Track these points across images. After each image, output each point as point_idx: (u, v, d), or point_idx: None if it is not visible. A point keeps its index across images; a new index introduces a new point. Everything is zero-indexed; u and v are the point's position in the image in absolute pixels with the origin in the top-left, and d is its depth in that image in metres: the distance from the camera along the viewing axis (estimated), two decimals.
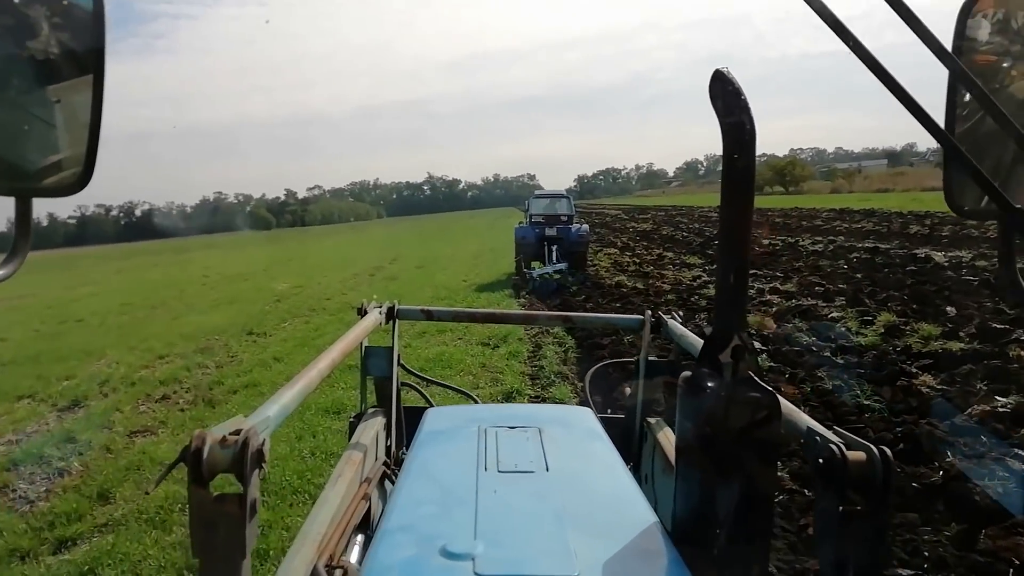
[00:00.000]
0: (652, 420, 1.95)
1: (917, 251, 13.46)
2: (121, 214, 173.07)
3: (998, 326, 6.55)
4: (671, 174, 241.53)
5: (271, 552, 3.51)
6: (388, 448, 2.00)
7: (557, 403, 5.47)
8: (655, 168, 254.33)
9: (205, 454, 0.85)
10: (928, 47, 0.65)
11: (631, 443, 2.01)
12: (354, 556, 1.39)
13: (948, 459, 3.91)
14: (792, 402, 0.99)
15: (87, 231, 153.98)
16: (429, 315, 2.29)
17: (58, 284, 26.13)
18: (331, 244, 44.78)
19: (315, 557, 1.15)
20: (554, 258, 13.35)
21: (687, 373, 0.96)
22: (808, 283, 10.50)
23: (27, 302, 19.63)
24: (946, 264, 11.47)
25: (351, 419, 2.04)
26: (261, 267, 26.67)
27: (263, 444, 0.91)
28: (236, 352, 9.43)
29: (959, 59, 0.74)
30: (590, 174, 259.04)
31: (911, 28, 0.64)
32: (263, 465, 0.90)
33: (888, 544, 3.11)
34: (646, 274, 13.51)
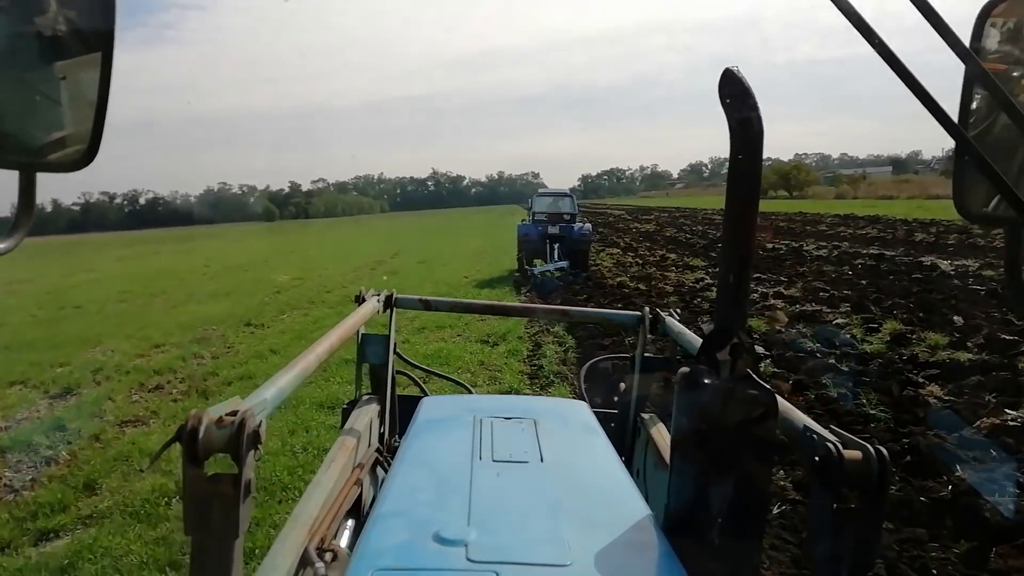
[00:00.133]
0: (646, 416, 1.95)
1: (923, 259, 13.32)
2: (125, 202, 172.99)
3: (1007, 337, 6.42)
4: (675, 176, 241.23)
5: (256, 551, 3.40)
6: (381, 435, 2.00)
7: None
8: (659, 169, 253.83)
9: (201, 434, 0.85)
10: (948, 44, 0.64)
11: (624, 438, 2.02)
12: (344, 541, 1.39)
13: (957, 473, 3.80)
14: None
15: (90, 218, 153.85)
16: (427, 305, 2.30)
17: (58, 270, 26.10)
18: (333, 237, 44.70)
19: (306, 540, 1.15)
20: (556, 256, 13.33)
21: (685, 369, 0.96)
22: (813, 288, 10.37)
23: (27, 287, 19.57)
24: (952, 273, 11.35)
25: (345, 405, 2.04)
26: (262, 258, 26.61)
27: (259, 426, 0.91)
28: (233, 343, 9.33)
29: (979, 61, 0.73)
30: (594, 174, 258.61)
31: (932, 25, 0.62)
32: (259, 446, 0.90)
33: (880, 542, 2.91)
34: (648, 275, 13.39)
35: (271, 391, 1.10)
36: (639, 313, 2.05)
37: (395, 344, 2.15)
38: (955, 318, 7.58)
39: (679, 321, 1.92)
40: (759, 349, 6.65)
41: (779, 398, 0.91)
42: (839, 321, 8.01)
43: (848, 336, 7.18)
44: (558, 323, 8.74)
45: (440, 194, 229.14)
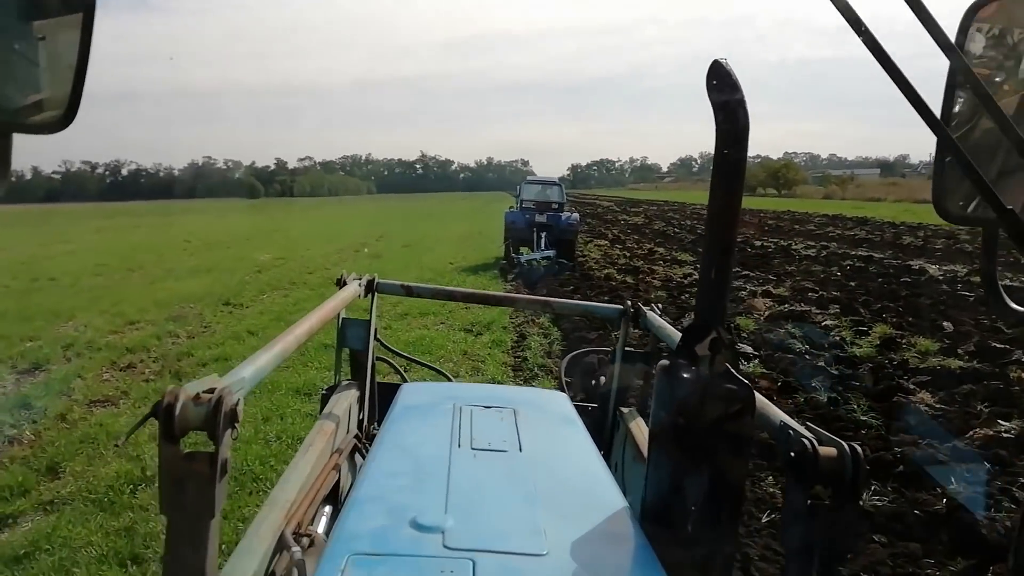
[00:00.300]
0: (625, 410, 1.96)
1: (911, 262, 13.32)
2: (107, 172, 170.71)
3: (998, 345, 6.36)
4: (665, 169, 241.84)
5: (223, 546, 3.23)
6: (360, 421, 1.99)
7: None
8: (649, 162, 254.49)
9: (177, 410, 0.84)
10: (933, 37, 0.63)
11: (603, 431, 2.01)
12: (321, 526, 1.37)
13: (952, 486, 3.71)
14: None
15: (70, 187, 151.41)
16: (409, 291, 2.30)
17: (35, 240, 25.51)
18: (318, 217, 44.21)
19: (283, 524, 1.14)
20: (543, 244, 13.28)
21: (664, 362, 0.96)
22: (801, 288, 10.31)
23: (0, 256, 19.10)
24: (941, 278, 11.32)
25: (324, 391, 2.03)
26: (245, 236, 26.21)
27: (237, 404, 0.90)
28: (210, 322, 9.09)
29: (965, 60, 0.72)
30: (584, 164, 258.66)
31: (917, 16, 0.62)
32: (235, 425, 0.89)
33: (854, 538, 2.96)
34: (636, 269, 13.27)
35: (249, 370, 1.08)
36: (621, 307, 2.05)
37: (376, 330, 2.12)
38: (945, 324, 7.52)
39: (660, 315, 1.91)
40: (747, 349, 6.55)
41: (757, 394, 0.92)
42: (828, 323, 7.92)
43: (837, 338, 7.09)
44: (542, 314, 8.64)
45: (428, 178, 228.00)
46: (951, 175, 0.78)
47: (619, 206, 48.55)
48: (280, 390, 5.66)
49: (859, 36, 0.64)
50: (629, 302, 2.06)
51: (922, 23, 0.63)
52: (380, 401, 2.12)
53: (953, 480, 3.76)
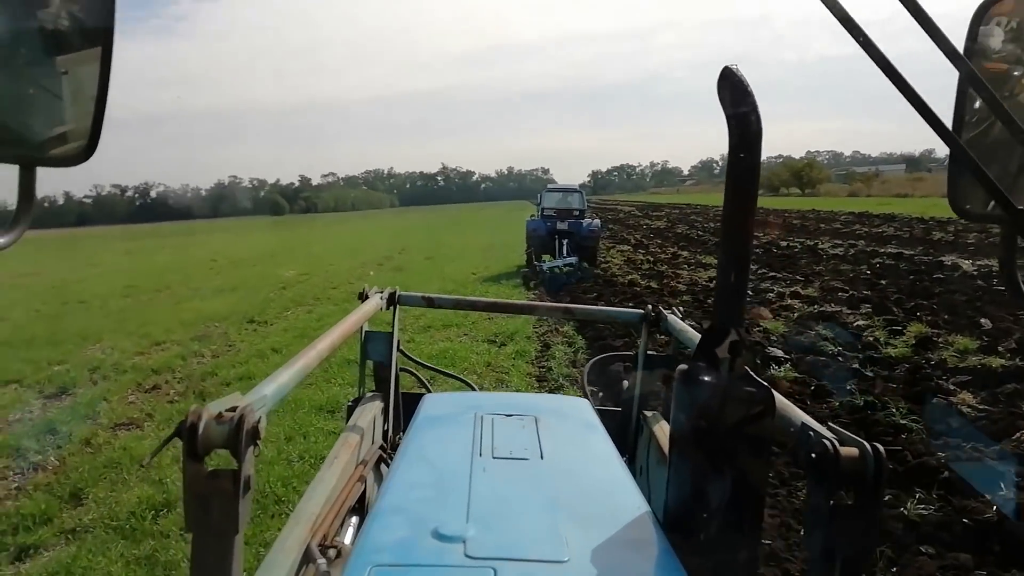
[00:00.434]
0: (648, 413, 1.96)
1: (943, 258, 12.96)
2: (136, 195, 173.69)
3: None
4: (686, 172, 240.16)
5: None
6: (385, 432, 2.01)
7: None
8: (670, 166, 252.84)
9: (201, 429, 0.85)
10: (940, 48, 0.65)
11: (627, 436, 2.01)
12: (348, 537, 1.37)
13: (1001, 492, 3.52)
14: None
15: (102, 211, 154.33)
16: (430, 302, 2.31)
17: (66, 264, 25.99)
18: (342, 232, 44.51)
19: (308, 536, 1.15)
20: (564, 252, 13.22)
21: (683, 366, 0.96)
22: (831, 288, 10.06)
23: (32, 280, 19.46)
24: (975, 273, 10.98)
25: (349, 403, 2.04)
26: (269, 253, 26.41)
27: (259, 421, 0.91)
28: (234, 341, 9.11)
29: (970, 62, 0.73)
30: (604, 170, 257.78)
31: (923, 28, 0.64)
32: (258, 442, 0.90)
33: (877, 539, 2.79)
34: (660, 273, 13.10)
35: (271, 387, 1.09)
36: (642, 311, 2.06)
37: (398, 341, 2.14)
38: (982, 321, 7.26)
39: (681, 319, 1.92)
40: (777, 352, 6.37)
41: (777, 395, 0.91)
42: (860, 323, 7.70)
43: (871, 339, 6.87)
44: (566, 322, 8.55)
45: (449, 189, 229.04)
46: (965, 175, 0.77)
47: (640, 211, 48.21)
48: (303, 408, 5.62)
49: (859, 43, 0.65)
50: (650, 306, 2.06)
51: (927, 33, 0.63)
52: (404, 412, 2.13)
53: (1002, 486, 3.57)
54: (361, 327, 2.01)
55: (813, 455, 0.85)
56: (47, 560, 3.50)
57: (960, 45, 0.73)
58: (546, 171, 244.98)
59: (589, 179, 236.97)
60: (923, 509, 3.42)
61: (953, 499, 3.49)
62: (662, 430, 1.76)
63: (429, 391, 2.26)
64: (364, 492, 1.56)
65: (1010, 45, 0.81)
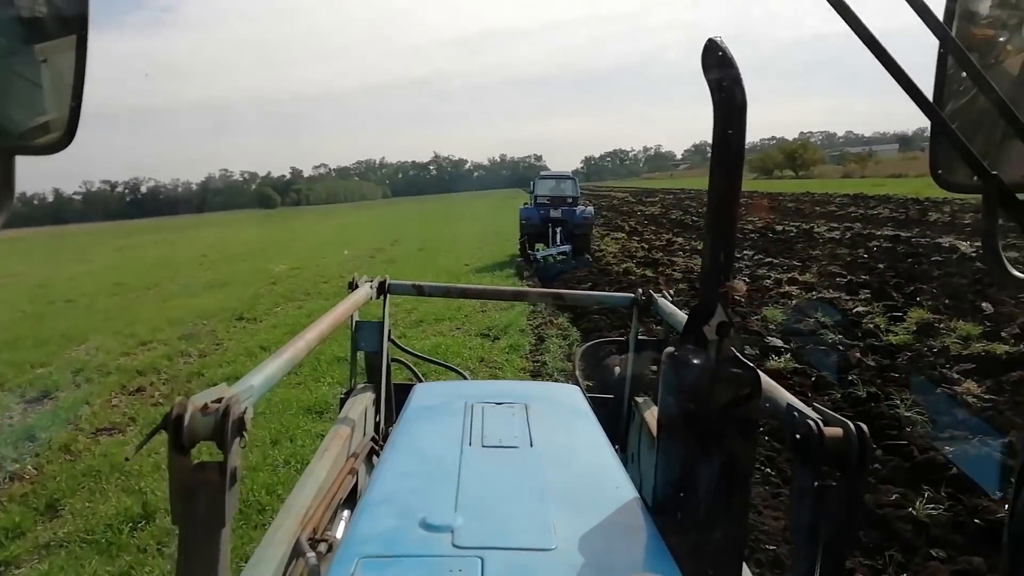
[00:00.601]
0: (639, 399, 1.95)
1: (941, 240, 12.82)
2: (126, 190, 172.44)
3: None
4: (679, 156, 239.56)
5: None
6: (377, 424, 1.99)
7: None
8: (663, 150, 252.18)
9: (186, 421, 0.84)
10: (919, 15, 0.64)
11: (619, 422, 2.00)
12: (340, 531, 1.36)
13: (1012, 490, 3.37)
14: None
15: (92, 207, 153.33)
16: (420, 290, 2.31)
17: (55, 262, 25.72)
18: (334, 224, 44.20)
19: (298, 530, 1.14)
20: (558, 240, 13.15)
21: (671, 349, 0.96)
22: (828, 273, 9.92)
23: (19, 280, 19.25)
24: (974, 255, 10.84)
25: (342, 395, 2.02)
26: (261, 247, 26.18)
27: (245, 412, 0.90)
28: (222, 339, 8.93)
29: (950, 31, 0.73)
30: (597, 155, 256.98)
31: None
32: (244, 434, 0.90)
33: (860, 518, 2.88)
34: (655, 261, 12.94)
35: (258, 378, 1.07)
36: (632, 295, 2.04)
37: (389, 331, 2.11)
38: (984, 305, 7.12)
39: (671, 302, 1.90)
40: (776, 341, 6.22)
41: (763, 376, 0.91)
42: (859, 309, 7.56)
43: (871, 326, 6.73)
44: (560, 314, 8.42)
45: (442, 178, 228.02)
46: (946, 146, 0.77)
47: (634, 197, 47.99)
48: (290, 409, 5.45)
49: (842, 16, 0.64)
50: (640, 290, 2.04)
51: (909, 3, 0.63)
52: (396, 402, 2.09)
53: (1013, 483, 3.43)
54: (352, 317, 1.97)
55: (798, 435, 0.86)
56: None
57: (940, 14, 0.73)
58: (539, 158, 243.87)
59: (582, 165, 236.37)
60: (932, 509, 3.28)
61: (963, 497, 3.35)
62: (653, 415, 1.73)
63: (421, 381, 2.21)
64: (356, 484, 1.54)
65: (991, 10, 0.80)
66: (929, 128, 0.75)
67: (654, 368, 1.96)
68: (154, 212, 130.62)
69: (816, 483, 0.83)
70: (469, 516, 0.98)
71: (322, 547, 1.16)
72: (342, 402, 1.97)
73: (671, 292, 2.03)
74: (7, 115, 0.76)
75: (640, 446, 1.79)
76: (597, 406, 1.60)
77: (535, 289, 2.59)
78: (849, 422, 0.84)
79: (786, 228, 17.69)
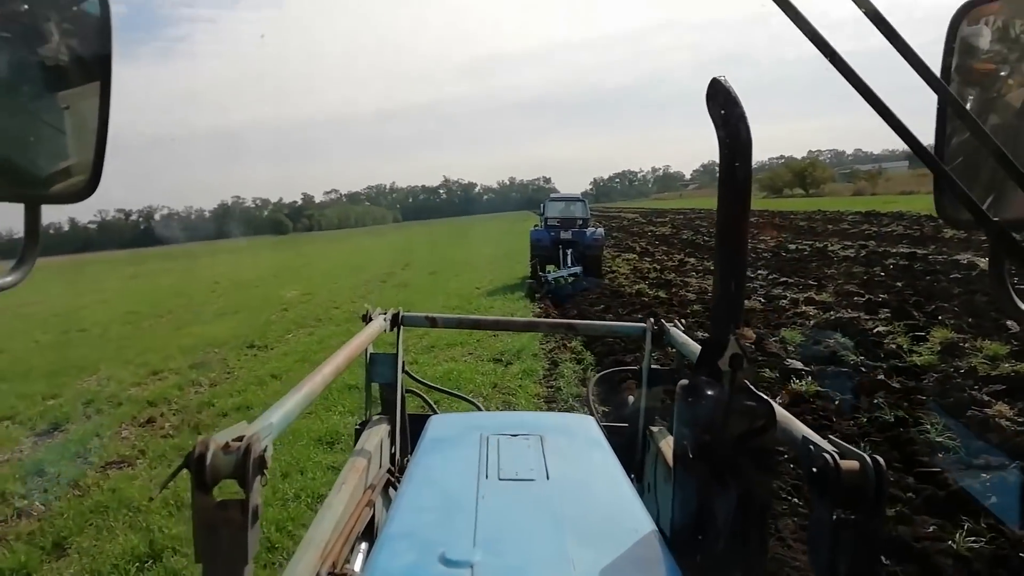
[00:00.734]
0: (654, 429, 1.94)
1: (959, 257, 12.61)
2: (140, 219, 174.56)
3: None
4: (688, 176, 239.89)
5: None
6: (392, 455, 2.00)
7: None
8: (672, 171, 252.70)
9: (208, 460, 0.85)
10: (916, 71, 0.66)
11: (634, 452, 2.00)
12: (358, 564, 1.37)
13: None
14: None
15: (107, 236, 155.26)
16: (433, 322, 2.31)
17: (70, 291, 25.89)
18: (345, 249, 44.38)
19: (318, 564, 1.16)
20: (569, 261, 13.15)
21: (685, 381, 0.98)
22: (846, 292, 9.75)
23: (34, 309, 19.30)
24: None
25: (357, 427, 2.03)
26: (272, 273, 26.24)
27: (265, 450, 0.92)
28: (233, 368, 8.87)
29: (948, 74, 0.77)
30: (606, 177, 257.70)
31: (900, 53, 0.65)
32: (265, 471, 0.91)
33: (880, 552, 2.62)
34: (668, 282, 12.80)
35: (277, 415, 1.08)
36: (644, 325, 2.05)
37: (403, 363, 2.14)
38: (1009, 323, 6.93)
39: (684, 331, 1.91)
40: (796, 364, 6.07)
41: (778, 408, 0.91)
42: (880, 329, 7.39)
43: (893, 346, 6.56)
44: (573, 338, 8.30)
45: (452, 202, 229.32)
46: (947, 189, 0.77)
47: (644, 217, 47.93)
48: (301, 440, 5.36)
49: (834, 65, 0.66)
50: (651, 320, 2.05)
51: (907, 61, 0.65)
52: (412, 433, 2.12)
53: None
54: (366, 350, 2.00)
55: (814, 469, 0.85)
56: None
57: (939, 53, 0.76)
58: (547, 180, 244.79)
59: (591, 187, 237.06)
60: (972, 541, 3.13)
61: (1005, 529, 3.19)
62: (668, 445, 1.72)
63: (435, 412, 2.23)
64: (373, 517, 1.54)
65: (997, 46, 0.80)
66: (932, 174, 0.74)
67: (668, 398, 1.97)
68: (168, 240, 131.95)
69: (834, 516, 0.82)
70: (488, 551, 0.97)
71: None
72: (357, 433, 1.98)
73: (683, 321, 2.03)
74: (32, 164, 0.76)
75: (656, 476, 1.78)
76: (611, 435, 1.59)
77: (548, 320, 2.61)
78: (866, 455, 0.82)
79: (799, 247, 17.52)
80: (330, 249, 46.58)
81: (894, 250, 14.95)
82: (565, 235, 13.72)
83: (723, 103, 0.86)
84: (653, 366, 2.03)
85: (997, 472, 3.73)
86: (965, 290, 9.10)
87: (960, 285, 9.59)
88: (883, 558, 3.01)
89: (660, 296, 11.13)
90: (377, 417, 2.05)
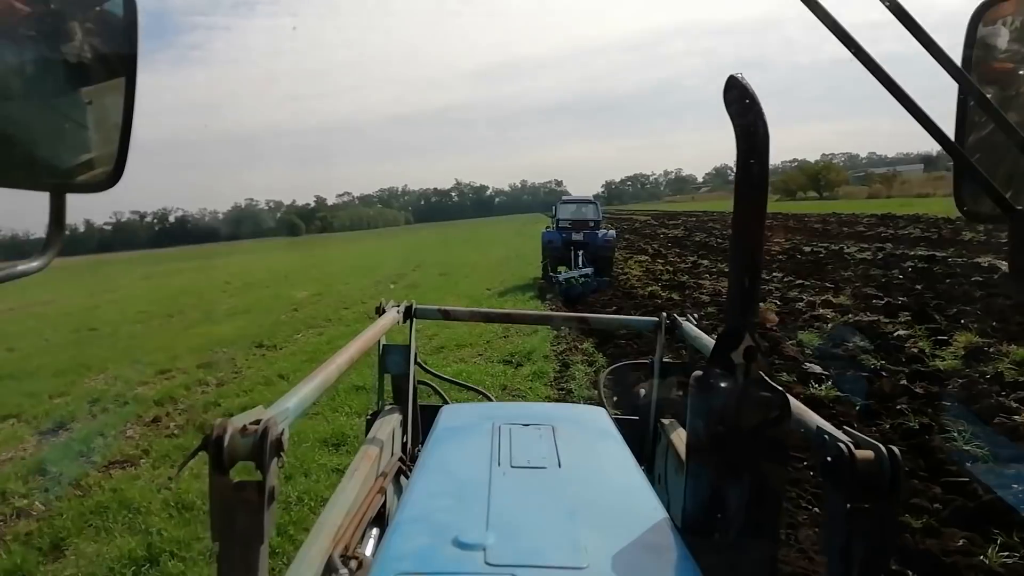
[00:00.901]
0: (666, 421, 1.96)
1: (979, 260, 12.35)
2: (155, 220, 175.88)
3: None
4: (700, 179, 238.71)
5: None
6: (404, 444, 2.02)
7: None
8: (684, 174, 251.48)
9: (226, 442, 0.87)
10: (938, 62, 0.66)
11: (645, 444, 2.02)
12: (369, 549, 1.38)
13: None
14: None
15: (122, 237, 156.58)
16: (446, 314, 2.35)
17: (83, 290, 26.03)
18: (356, 250, 44.43)
19: (330, 548, 1.17)
20: (580, 263, 13.12)
21: (699, 372, 0.97)
22: (864, 295, 9.54)
23: (47, 309, 19.41)
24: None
25: (368, 416, 2.06)
26: (284, 274, 26.26)
27: (282, 434, 0.94)
28: (241, 367, 8.79)
29: (969, 68, 0.77)
30: (618, 180, 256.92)
31: (921, 44, 0.65)
32: (281, 454, 0.93)
33: (894, 542, 2.53)
34: (681, 284, 12.64)
35: (293, 400, 1.11)
36: (656, 318, 2.07)
37: (416, 354, 2.16)
38: None
39: (696, 325, 1.92)
40: (815, 368, 5.90)
41: (792, 399, 0.91)
42: (900, 332, 7.19)
43: (915, 350, 6.37)
44: (585, 339, 8.18)
45: (464, 204, 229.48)
46: (968, 179, 0.80)
47: (656, 220, 47.66)
48: (306, 441, 5.24)
49: (855, 56, 0.68)
50: (664, 313, 2.06)
51: (923, 46, 0.66)
52: (423, 423, 2.14)
53: None
54: (379, 341, 2.03)
55: (829, 459, 0.86)
56: None
57: (957, 51, 0.73)
58: (559, 183, 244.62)
59: (603, 189, 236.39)
60: (1006, 556, 2.96)
61: None
62: (679, 437, 1.75)
63: (447, 403, 2.23)
64: (384, 504, 1.56)
65: (1012, 45, 0.79)
66: (953, 164, 0.76)
67: (679, 391, 1.98)
68: (182, 241, 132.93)
69: (848, 506, 0.82)
70: (501, 535, 0.98)
71: (353, 564, 1.16)
72: (368, 423, 1.99)
73: (695, 316, 2.03)
74: (57, 156, 0.79)
75: (667, 467, 1.80)
76: (623, 427, 1.58)
77: (560, 313, 2.57)
78: (881, 445, 0.82)
79: (815, 249, 17.28)
80: (342, 250, 46.64)
81: (912, 253, 14.70)
82: (577, 236, 13.70)
83: (739, 99, 0.86)
84: (665, 360, 2.03)
85: None
86: (987, 293, 8.88)
87: (982, 288, 9.36)
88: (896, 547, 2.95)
89: (673, 298, 10.97)
90: (389, 407, 2.07)
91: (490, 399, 2.72)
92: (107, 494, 4.66)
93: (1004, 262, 11.74)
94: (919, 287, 9.97)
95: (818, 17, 0.69)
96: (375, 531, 1.47)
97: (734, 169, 0.90)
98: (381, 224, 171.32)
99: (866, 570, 0.82)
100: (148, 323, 14.66)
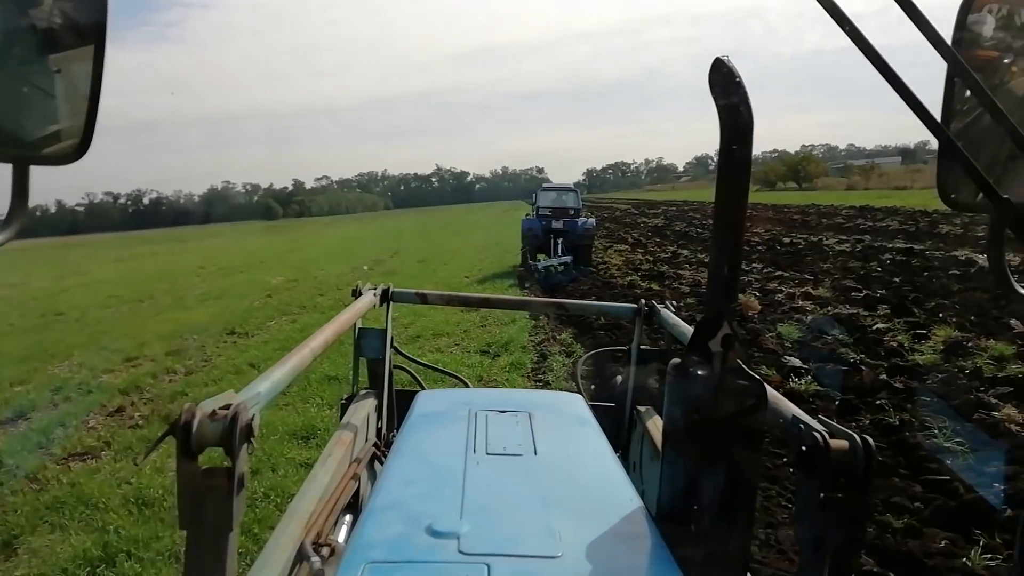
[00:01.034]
0: (642, 408, 1.95)
1: (956, 253, 12.43)
2: (129, 202, 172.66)
3: None
4: (681, 168, 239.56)
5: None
6: (379, 430, 2.00)
7: None
8: (665, 162, 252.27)
9: (194, 427, 0.86)
10: (928, 38, 0.65)
11: (621, 431, 2.01)
12: (342, 535, 1.36)
13: None
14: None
15: (95, 218, 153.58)
16: (423, 298, 2.34)
17: (51, 273, 25.40)
18: (334, 235, 43.95)
19: (302, 535, 1.15)
20: (559, 251, 13.14)
21: (676, 360, 0.96)
22: (843, 288, 9.54)
23: (13, 292, 18.92)
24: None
25: (343, 400, 2.03)
26: (259, 259, 25.84)
27: (252, 419, 0.92)
28: (211, 355, 8.57)
29: (958, 52, 0.74)
30: (599, 168, 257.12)
31: (911, 19, 0.64)
32: (252, 440, 0.92)
33: (866, 530, 2.49)
34: (661, 274, 12.57)
35: (265, 384, 1.08)
36: (635, 305, 2.05)
37: (392, 338, 2.14)
38: (1012, 322, 6.74)
39: (674, 313, 1.91)
40: (795, 361, 5.85)
41: (769, 388, 0.90)
42: (879, 326, 7.18)
43: (894, 344, 6.35)
44: (563, 330, 8.09)
45: (444, 190, 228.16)
46: (953, 165, 0.78)
47: (637, 208, 47.67)
48: (275, 434, 5.08)
49: (846, 33, 0.65)
50: (643, 300, 2.05)
51: (915, 23, 0.64)
52: (398, 409, 2.12)
53: None
54: (355, 324, 1.99)
55: (804, 447, 0.86)
56: None
57: (948, 34, 0.73)
58: (540, 170, 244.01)
59: (584, 177, 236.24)
60: (989, 559, 2.90)
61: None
62: (655, 425, 1.75)
63: (423, 388, 2.21)
64: (358, 490, 1.53)
65: (1000, 33, 0.79)
66: (936, 147, 0.74)
67: (656, 379, 1.98)
68: (157, 223, 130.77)
69: (822, 495, 0.82)
70: (475, 523, 0.97)
71: (325, 551, 1.13)
72: (343, 408, 1.95)
73: (674, 303, 2.00)
74: (21, 125, 0.75)
75: (642, 455, 1.79)
76: (599, 414, 1.58)
77: (538, 299, 2.53)
78: (855, 435, 0.82)
79: (794, 240, 17.33)
80: (319, 235, 46.11)
81: (890, 245, 14.78)
82: (556, 224, 13.65)
83: (725, 84, 0.84)
84: (643, 347, 2.02)
85: (1013, 483, 3.50)
86: (965, 287, 8.92)
87: (960, 282, 9.40)
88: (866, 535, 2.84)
89: (653, 288, 10.90)
90: (364, 392, 2.03)
91: (467, 385, 2.71)
92: (64, 488, 4.48)
93: (981, 255, 11.84)
94: (897, 280, 10.00)
95: None
96: (348, 518, 1.45)
97: (715, 158, 0.88)
98: (360, 209, 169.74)
99: (839, 557, 0.83)
100: (117, 308, 14.32)
